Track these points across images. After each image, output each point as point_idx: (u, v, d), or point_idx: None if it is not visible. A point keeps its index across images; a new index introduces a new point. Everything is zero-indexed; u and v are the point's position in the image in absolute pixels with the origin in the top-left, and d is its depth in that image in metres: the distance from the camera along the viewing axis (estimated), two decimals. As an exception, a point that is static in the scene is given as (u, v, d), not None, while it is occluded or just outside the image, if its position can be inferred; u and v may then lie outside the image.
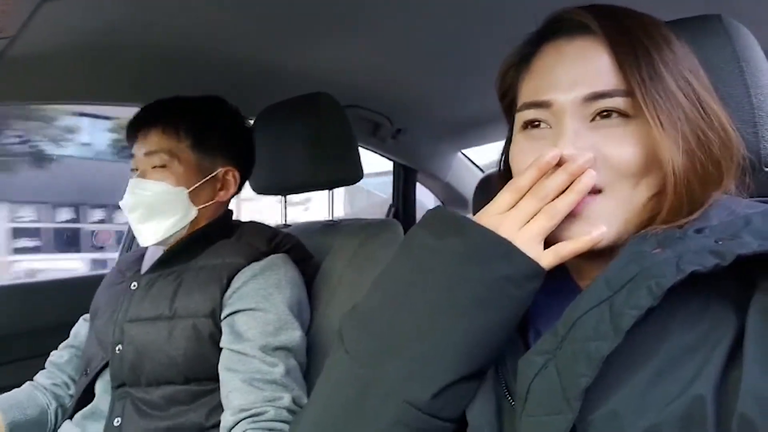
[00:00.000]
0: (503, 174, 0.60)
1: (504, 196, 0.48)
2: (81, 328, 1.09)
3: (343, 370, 0.48)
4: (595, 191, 0.46)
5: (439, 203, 2.29)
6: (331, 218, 1.22)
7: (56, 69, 1.01)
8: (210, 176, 1.00)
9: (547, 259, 0.45)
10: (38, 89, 1.07)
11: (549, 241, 0.47)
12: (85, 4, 0.82)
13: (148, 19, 0.93)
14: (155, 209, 0.95)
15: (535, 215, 0.46)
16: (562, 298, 0.46)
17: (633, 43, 0.47)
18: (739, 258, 0.37)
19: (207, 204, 1.00)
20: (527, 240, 0.45)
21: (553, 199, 0.46)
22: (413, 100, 1.55)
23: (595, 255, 0.47)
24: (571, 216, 0.46)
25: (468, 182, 2.17)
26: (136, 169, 0.98)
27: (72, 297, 1.22)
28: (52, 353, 1.08)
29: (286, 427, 0.81)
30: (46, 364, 1.06)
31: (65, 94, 1.13)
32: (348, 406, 0.46)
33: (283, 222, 1.29)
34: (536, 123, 0.51)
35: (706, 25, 0.57)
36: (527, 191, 0.47)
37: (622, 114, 0.47)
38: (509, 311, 0.44)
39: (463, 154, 2.17)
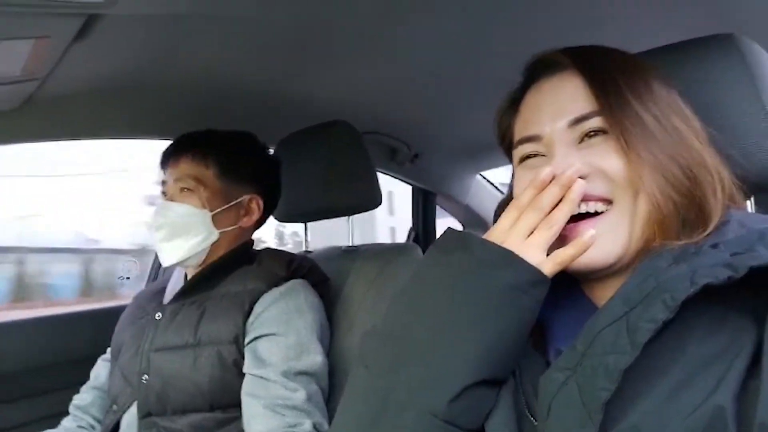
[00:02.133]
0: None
1: (507, 215, 0.51)
2: (101, 369, 1.11)
3: (362, 385, 0.50)
4: (605, 200, 0.50)
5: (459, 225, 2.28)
6: (350, 244, 1.23)
7: (85, 107, 1.06)
8: (234, 202, 1.03)
9: (548, 266, 0.48)
10: (69, 127, 1.11)
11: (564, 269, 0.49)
12: (110, 46, 0.85)
13: (171, 57, 0.96)
14: (179, 229, 0.99)
15: (534, 228, 0.49)
16: (581, 319, 0.47)
17: (601, 72, 0.52)
18: (752, 270, 0.38)
19: (230, 228, 1.03)
20: (530, 250, 0.48)
21: (550, 212, 0.50)
22: (430, 124, 1.57)
23: (610, 275, 0.50)
24: (574, 239, 0.49)
25: (488, 204, 2.16)
26: (165, 194, 1.03)
27: (95, 329, 1.24)
28: (75, 397, 1.09)
29: None
30: (70, 408, 1.08)
31: (94, 131, 1.17)
32: (368, 419, 0.48)
33: (305, 248, 1.31)
34: (531, 155, 0.55)
35: (720, 44, 0.57)
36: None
37: (605, 132, 0.51)
38: (517, 317, 0.47)
39: (482, 176, 2.17)
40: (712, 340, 0.40)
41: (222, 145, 1.05)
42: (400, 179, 1.88)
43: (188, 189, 1.01)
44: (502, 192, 2.24)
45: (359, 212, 1.18)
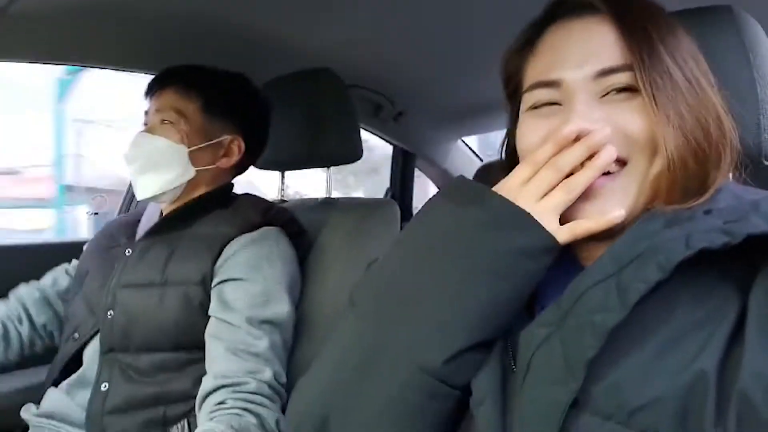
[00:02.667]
0: (505, 163, 0.60)
1: (521, 170, 0.48)
2: (60, 277, 1.09)
3: (354, 334, 0.49)
4: (619, 161, 0.47)
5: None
6: (328, 196, 1.22)
7: (60, 29, 1.00)
8: (214, 141, 1.01)
9: (563, 235, 0.46)
10: (43, 48, 1.05)
11: (562, 219, 0.47)
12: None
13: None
14: (154, 162, 0.96)
15: (552, 189, 0.47)
16: (568, 277, 0.46)
17: (635, 22, 0.48)
18: (748, 237, 0.38)
19: (207, 167, 1.01)
20: (544, 212, 0.46)
21: (570, 174, 0.47)
22: (416, 83, 1.55)
23: (604, 237, 0.47)
24: (585, 196, 0.47)
25: (466, 170, 2.17)
26: (146, 125, 1.00)
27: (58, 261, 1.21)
28: (21, 286, 1.06)
29: (265, 400, 0.82)
30: (10, 294, 1.05)
31: (71, 55, 1.11)
32: (358, 368, 0.47)
33: (280, 197, 1.30)
34: (545, 103, 0.51)
35: (716, 16, 0.57)
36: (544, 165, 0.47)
37: (630, 89, 0.47)
38: (523, 282, 0.45)
39: (463, 142, 2.17)
40: (700, 305, 0.40)
41: (209, 80, 1.02)
42: (381, 137, 1.87)
43: (168, 121, 0.97)
44: (481, 159, 2.25)
45: (339, 164, 1.17)
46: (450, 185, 0.50)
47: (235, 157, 1.04)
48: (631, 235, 0.43)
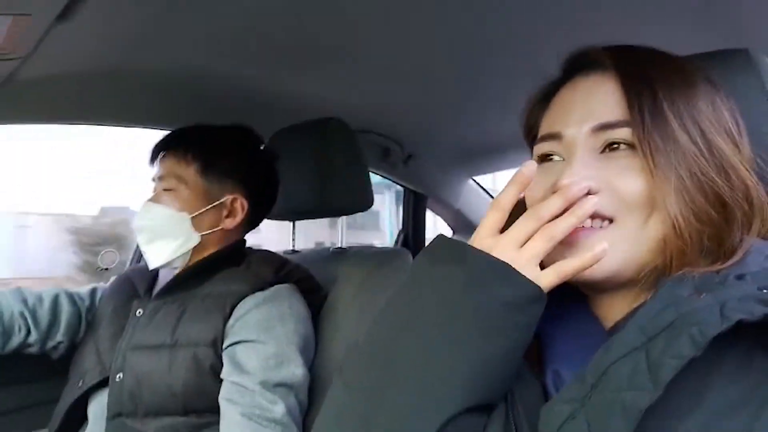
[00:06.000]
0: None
1: (489, 217, 0.47)
2: (86, 294, 1.07)
3: (343, 405, 0.47)
4: (606, 219, 0.46)
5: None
6: (340, 245, 1.20)
7: (68, 90, 1.01)
8: (216, 203, 0.99)
9: (547, 278, 0.44)
10: (52, 109, 1.07)
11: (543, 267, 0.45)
12: (98, 28, 0.82)
13: (159, 44, 0.92)
14: (158, 233, 0.96)
15: (530, 237, 0.45)
16: (583, 338, 0.44)
17: (639, 79, 0.47)
18: None
19: (211, 231, 0.99)
20: (525, 262, 0.44)
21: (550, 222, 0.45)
22: (424, 125, 1.54)
23: (614, 290, 0.46)
24: (571, 248, 0.46)
25: (479, 209, 2.15)
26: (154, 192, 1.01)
27: None
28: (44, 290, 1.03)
29: None
30: (25, 289, 1.01)
31: (78, 115, 1.12)
32: None
33: (291, 248, 1.27)
34: (550, 156, 0.52)
35: (734, 59, 0.55)
36: (510, 209, 0.47)
37: (631, 146, 0.46)
38: (513, 338, 0.43)
39: (475, 181, 2.15)
40: (738, 382, 0.36)
41: (204, 140, 1.01)
42: (392, 180, 1.86)
43: (170, 189, 0.97)
44: (492, 197, 2.22)
45: (351, 213, 1.15)
46: (431, 246, 0.49)
47: (239, 216, 1.02)
48: (658, 301, 0.40)
